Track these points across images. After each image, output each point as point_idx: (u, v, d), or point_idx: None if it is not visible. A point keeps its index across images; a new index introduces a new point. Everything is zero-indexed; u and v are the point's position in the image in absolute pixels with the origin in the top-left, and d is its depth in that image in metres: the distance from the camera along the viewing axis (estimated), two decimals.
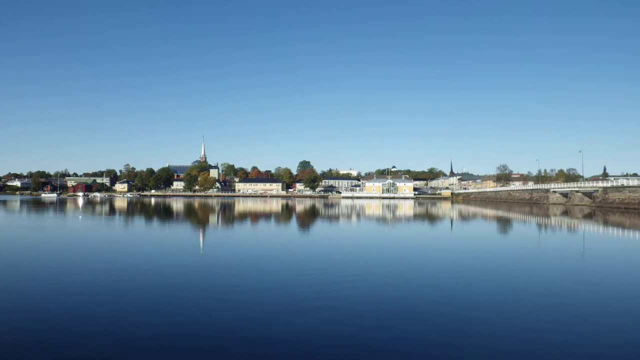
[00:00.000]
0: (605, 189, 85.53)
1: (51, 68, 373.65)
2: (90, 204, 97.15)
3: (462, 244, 27.64)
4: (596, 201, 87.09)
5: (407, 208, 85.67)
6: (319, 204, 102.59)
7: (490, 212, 69.75)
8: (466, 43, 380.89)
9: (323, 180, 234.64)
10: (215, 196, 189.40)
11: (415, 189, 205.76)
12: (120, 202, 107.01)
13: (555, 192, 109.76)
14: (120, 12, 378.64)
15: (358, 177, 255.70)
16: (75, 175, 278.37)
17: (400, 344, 8.73)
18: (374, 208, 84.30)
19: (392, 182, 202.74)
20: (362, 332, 9.35)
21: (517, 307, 11.39)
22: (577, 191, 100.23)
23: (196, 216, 53.41)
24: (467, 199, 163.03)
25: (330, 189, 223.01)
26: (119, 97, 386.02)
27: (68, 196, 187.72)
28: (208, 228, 37.25)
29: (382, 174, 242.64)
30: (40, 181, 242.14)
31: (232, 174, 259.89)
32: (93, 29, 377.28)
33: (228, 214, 59.89)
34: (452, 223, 45.42)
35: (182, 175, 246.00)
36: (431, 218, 54.03)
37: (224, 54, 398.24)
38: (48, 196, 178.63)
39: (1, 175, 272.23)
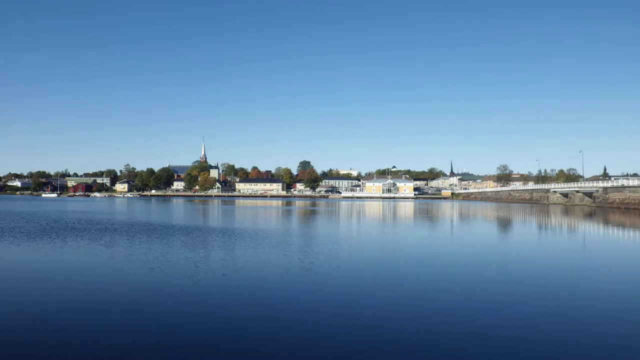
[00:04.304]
0: (605, 189, 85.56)
1: (51, 68, 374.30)
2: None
3: (464, 244, 27.64)
4: (596, 201, 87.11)
5: (407, 208, 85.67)
6: (319, 204, 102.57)
7: (490, 212, 69.78)
8: (466, 42, 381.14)
9: (323, 180, 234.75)
10: (215, 196, 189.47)
11: (415, 189, 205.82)
12: (121, 202, 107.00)
13: (555, 192, 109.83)
14: (120, 13, 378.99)
15: (358, 177, 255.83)
16: (76, 175, 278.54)
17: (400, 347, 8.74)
18: (374, 208, 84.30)
19: (392, 182, 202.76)
20: (363, 334, 9.36)
21: (518, 308, 11.41)
22: (577, 191, 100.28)
23: (196, 217, 53.44)
24: (468, 199, 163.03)
25: (330, 189, 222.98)
26: (119, 97, 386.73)
27: (68, 196, 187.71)
28: (208, 229, 37.24)
29: (382, 174, 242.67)
30: (40, 181, 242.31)
31: (233, 174, 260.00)
32: (93, 29, 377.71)
33: (228, 214, 59.90)
34: (452, 223, 45.41)
35: (182, 175, 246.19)
36: (432, 218, 54.03)
37: (224, 54, 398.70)
38: (48, 196, 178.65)
39: (1, 175, 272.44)
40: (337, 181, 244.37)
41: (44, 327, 9.60)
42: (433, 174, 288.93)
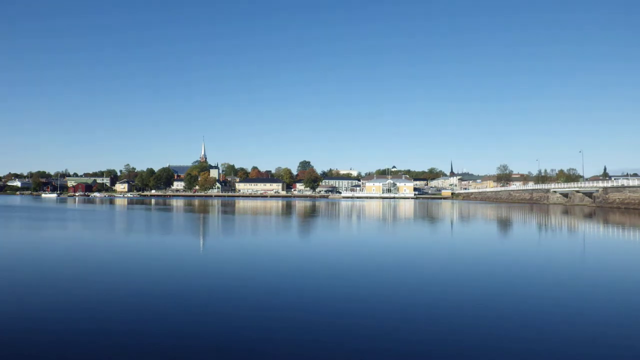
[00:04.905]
0: (605, 189, 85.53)
1: (52, 69, 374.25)
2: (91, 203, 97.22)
3: (464, 244, 27.65)
4: (596, 201, 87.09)
5: (407, 208, 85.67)
6: (319, 204, 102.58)
7: (490, 212, 69.76)
8: (466, 42, 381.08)
9: (323, 180, 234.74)
10: (215, 196, 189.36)
11: (415, 189, 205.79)
12: (120, 203, 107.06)
13: (555, 192, 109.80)
14: (121, 14, 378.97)
15: (358, 177, 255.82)
16: (76, 175, 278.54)
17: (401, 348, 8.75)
18: (374, 208, 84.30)
19: (392, 182, 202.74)
20: (367, 337, 9.37)
21: (517, 307, 11.41)
22: (577, 191, 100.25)
23: (196, 216, 53.44)
24: (468, 199, 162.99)
25: (330, 189, 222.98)
26: (119, 98, 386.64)
27: (68, 196, 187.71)
28: (208, 229, 37.27)
29: (382, 174, 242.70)
30: (40, 181, 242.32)
31: (233, 174, 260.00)
32: (93, 30, 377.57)
33: (229, 214, 59.90)
34: (452, 223, 45.40)
35: (182, 175, 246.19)
36: (432, 218, 54.03)
37: (224, 54, 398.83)
38: (48, 196, 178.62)
39: (1, 175, 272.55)
40: (337, 181, 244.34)
41: None
42: (433, 174, 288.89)
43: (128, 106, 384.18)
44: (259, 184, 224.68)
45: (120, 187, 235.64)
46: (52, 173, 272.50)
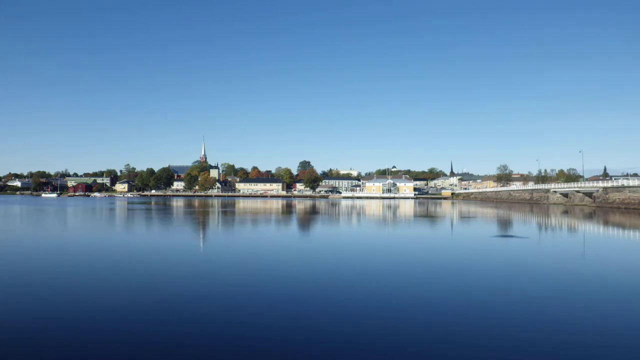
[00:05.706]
0: (605, 189, 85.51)
1: (52, 69, 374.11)
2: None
3: (464, 244, 27.63)
4: (596, 201, 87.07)
5: (407, 208, 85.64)
6: (319, 204, 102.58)
7: (490, 211, 69.75)
8: (466, 42, 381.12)
9: (323, 180, 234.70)
10: (215, 196, 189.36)
11: (415, 189, 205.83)
12: (120, 202, 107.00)
13: (555, 192, 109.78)
14: (121, 14, 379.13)
15: (358, 177, 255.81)
16: (76, 175, 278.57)
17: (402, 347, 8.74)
18: (374, 208, 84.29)
19: (392, 182, 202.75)
20: (366, 338, 9.36)
21: (516, 307, 11.40)
22: (577, 191, 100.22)
23: (196, 216, 53.44)
24: (468, 199, 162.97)
25: (330, 189, 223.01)
26: (119, 98, 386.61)
27: (68, 196, 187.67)
28: (208, 228, 37.27)
29: (382, 174, 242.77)
30: (40, 181, 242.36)
31: (233, 174, 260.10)
32: (94, 31, 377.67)
33: (229, 214, 59.91)
34: (452, 223, 45.38)
35: (182, 175, 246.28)
36: (432, 218, 54.01)
37: (224, 55, 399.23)
38: (48, 196, 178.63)
39: (1, 175, 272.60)
40: (337, 181, 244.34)
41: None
42: (433, 174, 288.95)
43: (128, 106, 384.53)
44: (259, 184, 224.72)
45: (120, 187, 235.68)
46: (52, 173, 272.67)
